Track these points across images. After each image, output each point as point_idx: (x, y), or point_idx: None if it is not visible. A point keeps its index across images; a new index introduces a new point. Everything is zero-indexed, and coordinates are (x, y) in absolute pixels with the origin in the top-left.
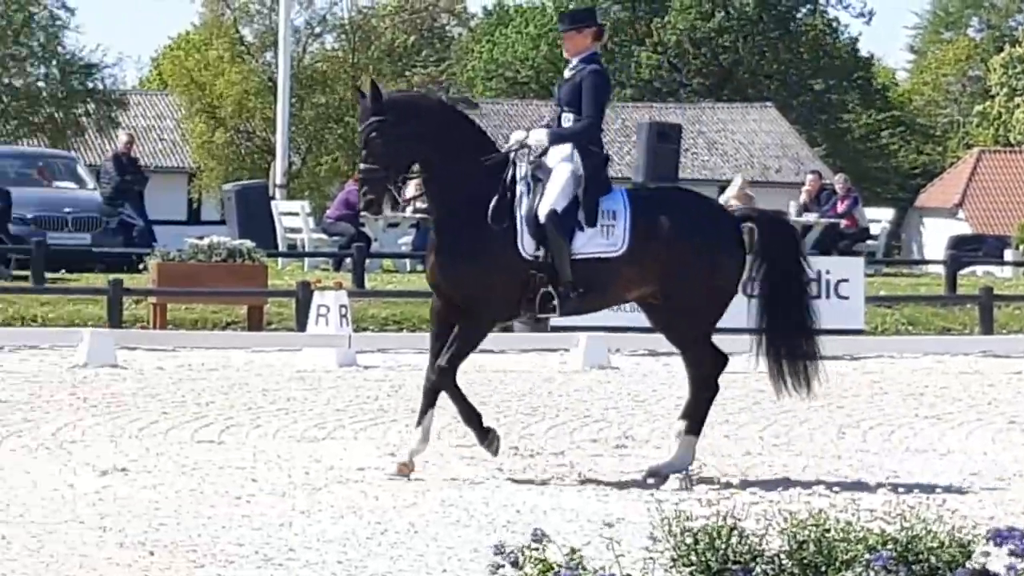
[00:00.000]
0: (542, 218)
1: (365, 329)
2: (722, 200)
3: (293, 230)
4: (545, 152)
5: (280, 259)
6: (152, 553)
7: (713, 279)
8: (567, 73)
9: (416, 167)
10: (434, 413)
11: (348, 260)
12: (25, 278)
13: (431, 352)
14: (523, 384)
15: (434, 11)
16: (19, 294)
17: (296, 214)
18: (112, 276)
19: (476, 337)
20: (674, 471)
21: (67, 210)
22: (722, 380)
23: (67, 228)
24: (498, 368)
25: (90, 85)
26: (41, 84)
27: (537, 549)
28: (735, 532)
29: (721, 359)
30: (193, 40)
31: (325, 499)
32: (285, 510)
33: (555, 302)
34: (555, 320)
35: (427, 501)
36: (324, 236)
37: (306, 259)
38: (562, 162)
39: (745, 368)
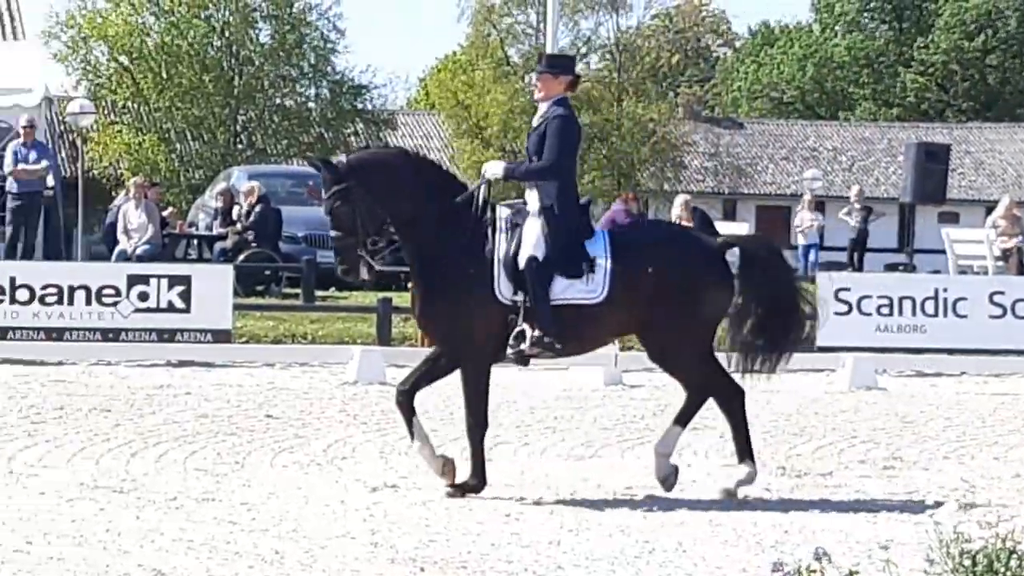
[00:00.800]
0: (521, 264)
1: (631, 348)
2: (988, 221)
3: None
4: (524, 201)
5: None
6: (423, 569)
7: (695, 316)
8: (535, 121)
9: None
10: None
11: None
12: (296, 296)
13: (416, 368)
14: (789, 405)
15: (699, 31)
16: (290, 312)
17: None
18: (381, 294)
19: (475, 386)
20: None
21: None
22: (984, 401)
23: None
24: (764, 389)
25: (359, 105)
26: (311, 104)
27: (816, 571)
28: (1014, 555)
29: (736, 390)
30: (459, 61)
31: (593, 517)
32: (553, 528)
33: (525, 344)
34: (821, 340)
35: (695, 520)
36: None
37: None
38: (542, 208)
39: (1015, 390)
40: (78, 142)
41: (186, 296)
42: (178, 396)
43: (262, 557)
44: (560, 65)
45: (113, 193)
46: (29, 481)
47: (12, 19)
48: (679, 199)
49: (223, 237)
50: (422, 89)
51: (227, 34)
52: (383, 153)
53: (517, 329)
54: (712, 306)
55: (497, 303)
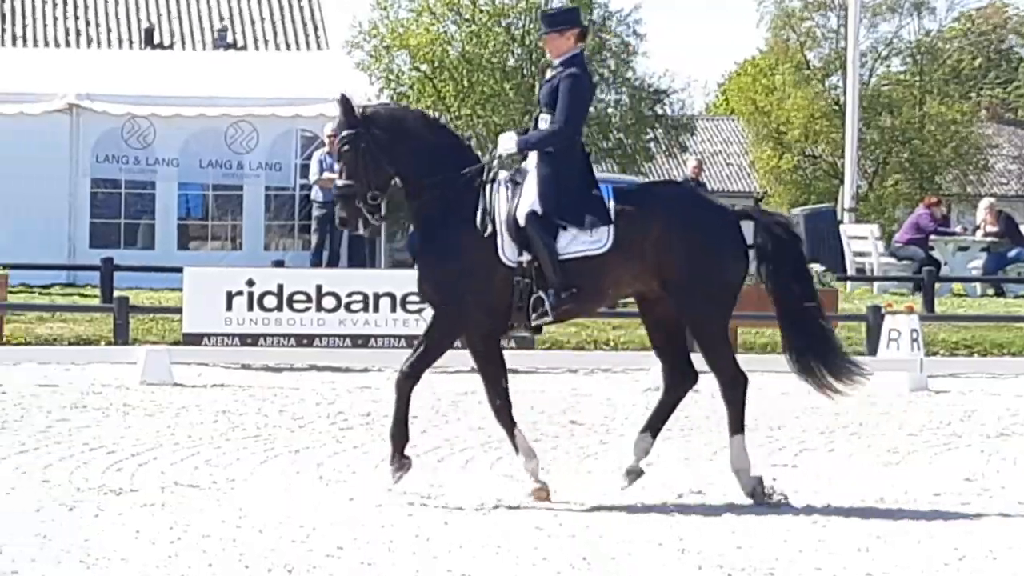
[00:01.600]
0: (522, 221)
1: (935, 353)
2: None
3: (861, 254)
4: (524, 157)
5: (848, 283)
6: (730, 575)
7: (716, 273)
8: (548, 74)
9: (396, 181)
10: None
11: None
12: None
13: (483, 376)
14: None
15: (1001, 32)
16: (593, 318)
17: (865, 238)
18: None
19: (440, 339)
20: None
21: None
22: None
23: None
24: None
25: (659, 111)
26: (611, 110)
27: None
28: None
29: (693, 378)
30: (759, 65)
31: (900, 524)
32: (861, 534)
33: (547, 306)
34: None
35: (1006, 527)
36: (893, 260)
37: (875, 283)
38: (541, 163)
39: None
40: None
41: None
42: (482, 402)
43: (569, 563)
44: (562, 20)
45: None
46: (338, 487)
47: (316, 29)
48: (984, 202)
49: None
50: (721, 94)
51: (527, 42)
52: (400, 110)
53: (535, 297)
54: (727, 265)
55: (502, 266)
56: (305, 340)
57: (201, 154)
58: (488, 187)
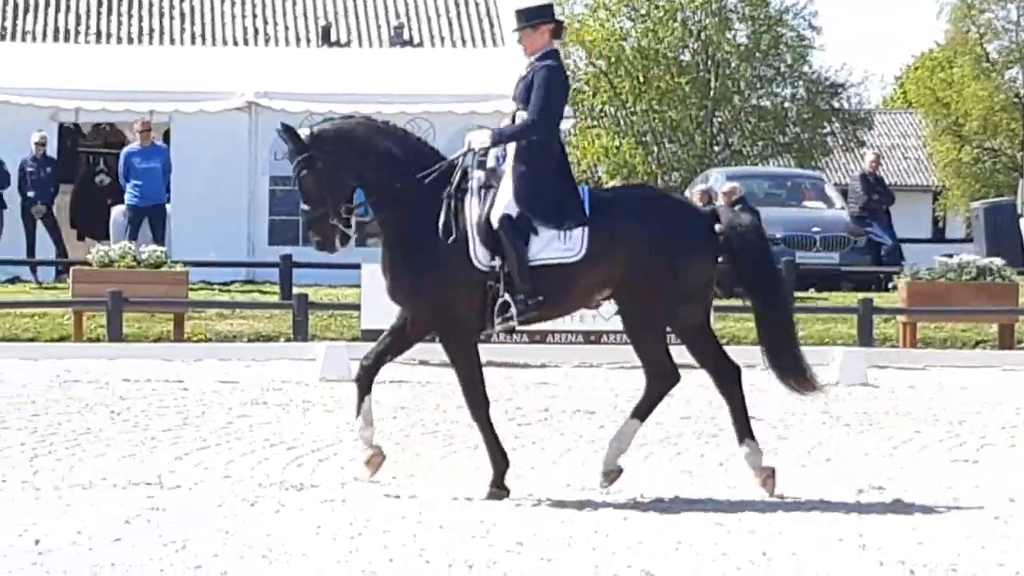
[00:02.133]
0: (495, 224)
1: None
2: None
3: None
4: (500, 157)
5: None
6: (912, 572)
7: (676, 280)
8: (524, 71)
9: (361, 192)
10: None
11: None
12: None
13: (379, 341)
14: None
15: None
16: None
17: None
18: (861, 295)
19: (464, 360)
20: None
21: (815, 229)
22: None
23: (815, 247)
24: None
25: (836, 104)
26: (788, 104)
27: None
28: None
29: (675, 375)
30: (937, 58)
31: None
32: None
33: (512, 311)
34: None
35: None
36: None
37: None
38: (517, 161)
39: None
40: None
41: None
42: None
43: (750, 559)
44: (535, 16)
45: None
46: (517, 483)
47: (492, 25)
48: None
49: None
50: (898, 87)
51: (702, 36)
52: (346, 123)
53: (500, 301)
54: (695, 271)
55: (474, 270)
56: (483, 336)
57: None
58: (458, 190)
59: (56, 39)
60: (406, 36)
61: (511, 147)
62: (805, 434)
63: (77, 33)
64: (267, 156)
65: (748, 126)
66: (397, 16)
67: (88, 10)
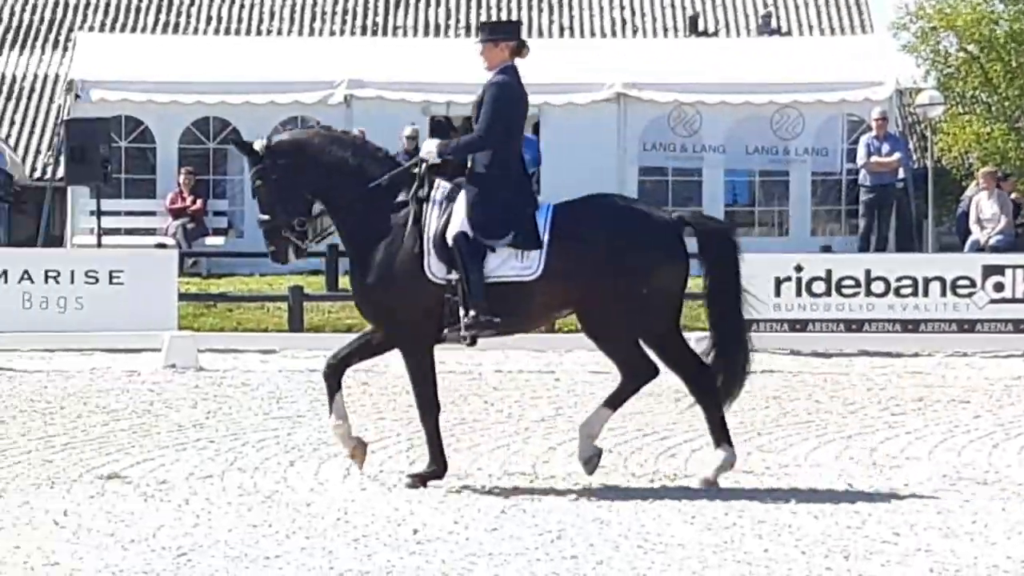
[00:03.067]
0: (450, 241)
1: None
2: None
3: None
4: (462, 172)
5: None
6: None
7: (639, 292)
8: (481, 89)
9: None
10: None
11: None
12: None
13: (349, 343)
14: None
15: None
16: None
17: None
18: None
19: (415, 366)
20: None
21: None
22: None
23: None
24: None
25: None
26: None
27: None
28: None
29: (652, 370)
30: None
31: None
32: None
33: (461, 325)
34: None
35: None
36: None
37: None
38: (472, 180)
39: None
40: (927, 133)
41: None
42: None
43: None
44: (500, 31)
45: (963, 184)
46: (892, 472)
47: (861, 12)
48: None
49: None
50: None
51: None
52: (302, 133)
53: (455, 313)
54: (658, 284)
55: (429, 283)
56: (854, 325)
57: (747, 140)
58: (416, 199)
59: (427, 34)
60: (774, 25)
61: (472, 162)
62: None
63: (447, 27)
64: (637, 147)
65: None
66: (765, 5)
67: (458, 4)
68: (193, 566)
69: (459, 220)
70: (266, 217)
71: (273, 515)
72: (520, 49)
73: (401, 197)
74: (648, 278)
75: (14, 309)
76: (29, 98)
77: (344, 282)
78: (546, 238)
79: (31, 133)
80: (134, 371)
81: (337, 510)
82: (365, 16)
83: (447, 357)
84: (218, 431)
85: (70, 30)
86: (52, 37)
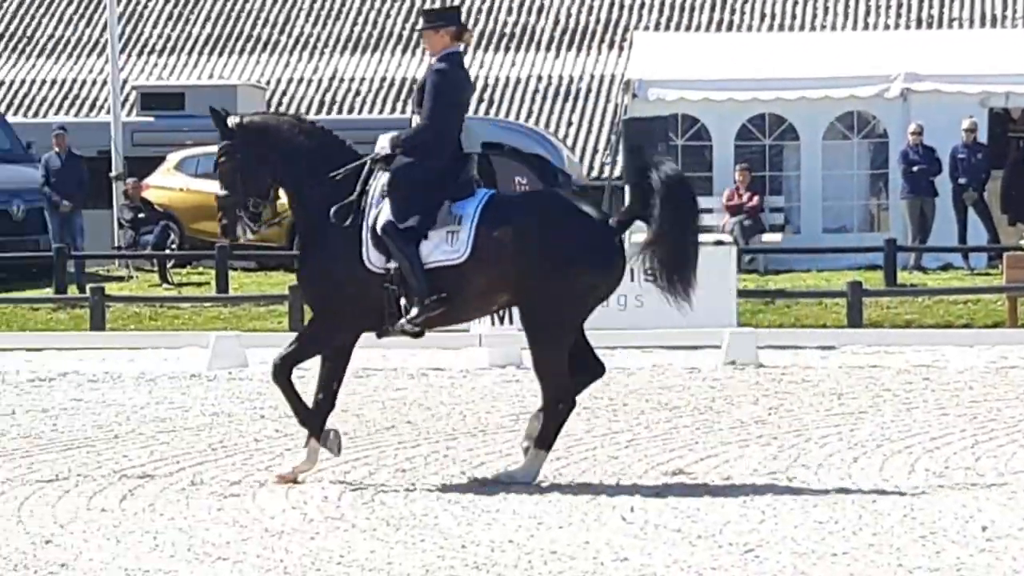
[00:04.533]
0: (379, 230)
1: None
2: None
3: None
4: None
5: None
6: None
7: (566, 286)
8: (422, 74)
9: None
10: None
11: None
12: None
13: (323, 365)
14: None
15: None
16: None
17: None
18: None
19: (310, 341)
20: (518, 482)
21: None
22: None
23: None
24: None
25: None
26: None
27: None
28: None
29: (599, 368)
30: None
31: None
32: None
33: (411, 314)
34: None
35: None
36: None
37: None
38: (395, 170)
39: None
40: None
41: None
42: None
43: None
44: (441, 18)
45: None
46: None
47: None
48: None
49: None
50: None
51: None
52: (273, 118)
53: (400, 303)
54: (582, 278)
55: (368, 272)
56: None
57: None
58: (364, 191)
59: (983, 25)
60: None
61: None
62: None
63: (1004, 18)
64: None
65: None
66: None
67: None
68: (761, 562)
69: (389, 208)
70: (224, 193)
71: (839, 512)
72: (460, 34)
73: (349, 189)
74: (577, 269)
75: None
76: (586, 99)
77: (903, 277)
78: (474, 224)
79: (588, 133)
80: (694, 368)
81: (903, 506)
82: (920, 8)
83: (1009, 352)
84: (780, 427)
85: (625, 30)
86: (608, 37)
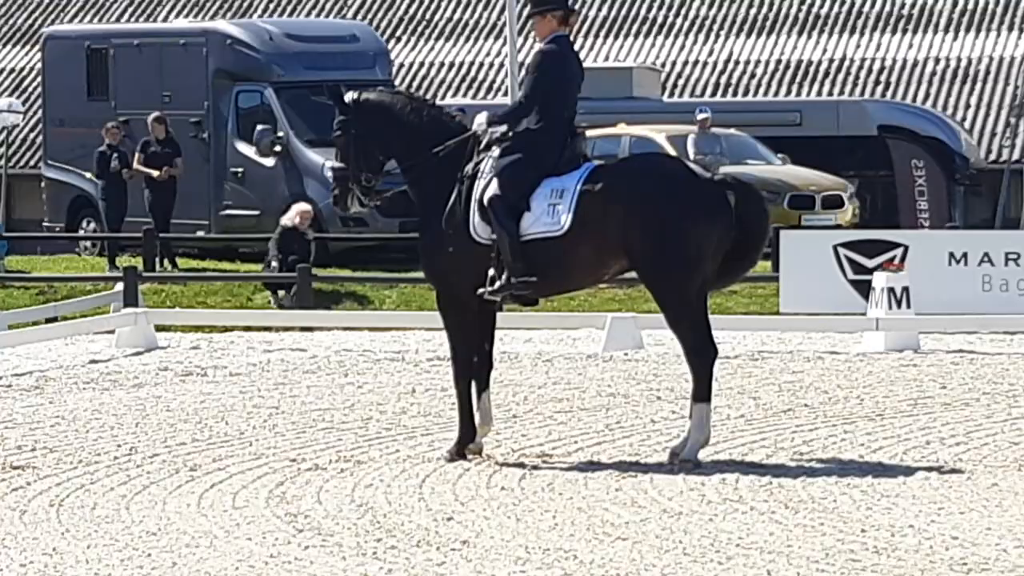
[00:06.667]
0: (485, 202)
1: None
2: None
3: None
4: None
5: None
6: None
7: (678, 246)
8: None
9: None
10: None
11: None
12: None
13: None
14: None
15: None
16: None
17: None
18: None
19: (454, 331)
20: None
21: None
22: None
23: None
24: None
25: None
26: None
27: None
28: None
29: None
30: None
31: None
32: None
33: (493, 286)
34: None
35: None
36: None
37: None
38: (505, 145)
39: None
40: None
41: None
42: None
43: None
44: (544, 3)
45: None
46: None
47: None
48: None
49: None
50: None
51: None
52: (387, 95)
53: (491, 273)
54: (695, 238)
55: (475, 244)
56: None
57: None
58: (470, 164)
59: None
60: None
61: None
62: None
63: None
64: None
65: None
66: None
67: None
68: None
69: (495, 181)
70: (340, 166)
71: None
72: (567, 17)
73: (460, 163)
74: (686, 224)
75: (974, 291)
76: (984, 80)
77: None
78: (575, 195)
79: (986, 116)
80: None
81: None
82: None
83: None
84: None
85: None
86: (1007, 19)
